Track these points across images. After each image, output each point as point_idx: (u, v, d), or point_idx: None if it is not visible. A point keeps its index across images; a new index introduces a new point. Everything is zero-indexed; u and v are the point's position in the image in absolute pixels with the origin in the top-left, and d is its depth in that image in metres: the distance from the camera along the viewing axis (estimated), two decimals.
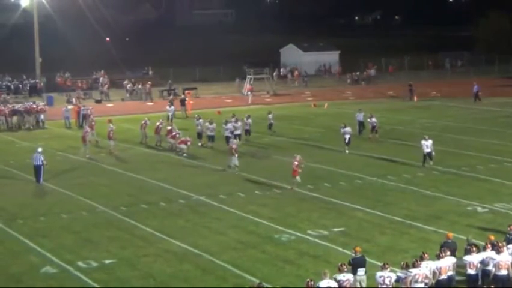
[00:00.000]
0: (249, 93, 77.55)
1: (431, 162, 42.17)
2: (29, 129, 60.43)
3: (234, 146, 43.02)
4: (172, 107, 62.81)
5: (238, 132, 50.81)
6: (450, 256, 23.39)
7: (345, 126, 48.24)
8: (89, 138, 51.44)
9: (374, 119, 51.60)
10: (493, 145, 48.99)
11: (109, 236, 31.19)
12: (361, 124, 54.09)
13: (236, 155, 42.41)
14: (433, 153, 42.40)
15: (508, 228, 25.91)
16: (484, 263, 23.33)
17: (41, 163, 41.07)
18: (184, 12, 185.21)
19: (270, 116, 55.84)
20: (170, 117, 61.19)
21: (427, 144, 42.27)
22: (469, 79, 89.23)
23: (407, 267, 22.22)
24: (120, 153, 49.08)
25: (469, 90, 74.88)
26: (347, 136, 47.75)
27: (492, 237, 24.58)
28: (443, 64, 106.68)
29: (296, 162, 38.00)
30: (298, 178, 38.01)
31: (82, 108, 63.03)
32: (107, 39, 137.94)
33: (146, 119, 53.96)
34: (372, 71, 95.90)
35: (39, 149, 42.10)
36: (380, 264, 23.40)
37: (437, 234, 29.50)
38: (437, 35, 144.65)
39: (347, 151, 47.23)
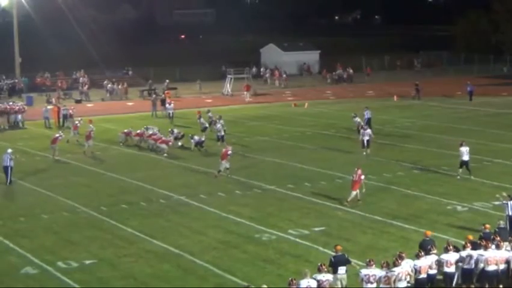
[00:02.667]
0: (246, 92, 77.73)
1: (471, 176, 39.57)
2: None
3: (229, 152, 41.50)
4: (172, 105, 63.30)
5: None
6: (431, 254, 23.55)
7: (366, 129, 47.27)
8: (71, 138, 51.59)
9: (368, 130, 48.29)
10: (473, 144, 49.06)
11: (89, 236, 31.10)
12: (369, 121, 54.16)
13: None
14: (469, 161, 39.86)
15: (483, 227, 26.20)
16: (463, 261, 23.53)
17: (8, 164, 40.81)
18: (164, 12, 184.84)
19: (210, 114, 56.44)
20: (170, 115, 62.10)
21: (464, 151, 39.70)
22: (449, 78, 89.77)
23: (387, 266, 22.31)
24: (99, 154, 48.95)
25: (448, 89, 75.30)
26: (366, 138, 46.27)
27: (471, 237, 24.82)
28: (413, 65, 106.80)
29: (359, 174, 35.06)
30: (356, 192, 35.01)
31: (63, 108, 62.78)
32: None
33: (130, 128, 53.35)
34: (340, 71, 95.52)
35: (9, 150, 41.79)
36: (361, 262, 23.52)
37: (418, 233, 29.58)
38: (417, 34, 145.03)
39: (364, 153, 45.93)
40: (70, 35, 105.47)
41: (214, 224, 32.52)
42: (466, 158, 39.75)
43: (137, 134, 51.55)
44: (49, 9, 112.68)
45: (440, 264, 23.59)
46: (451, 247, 23.80)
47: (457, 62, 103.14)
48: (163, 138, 49.00)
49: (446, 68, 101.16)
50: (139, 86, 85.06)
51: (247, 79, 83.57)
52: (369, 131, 47.16)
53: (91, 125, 50.90)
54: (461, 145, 40.20)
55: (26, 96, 75.62)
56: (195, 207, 35.27)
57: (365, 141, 46.36)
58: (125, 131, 52.47)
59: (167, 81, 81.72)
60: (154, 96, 71.05)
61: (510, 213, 28.76)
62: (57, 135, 48.79)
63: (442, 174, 41.04)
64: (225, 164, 41.01)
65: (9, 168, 40.76)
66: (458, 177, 39.70)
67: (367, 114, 55.14)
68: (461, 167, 39.89)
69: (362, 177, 35.16)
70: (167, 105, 64.42)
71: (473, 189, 37.54)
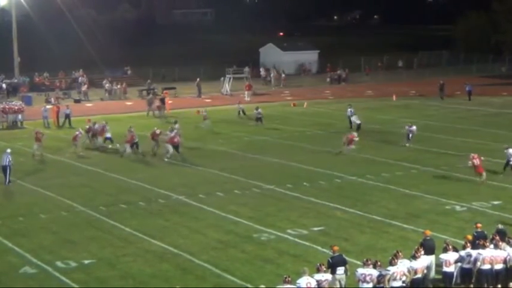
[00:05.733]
0: (246, 92, 77.80)
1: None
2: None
3: (356, 139, 46.38)
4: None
5: None
6: (428, 255, 23.59)
7: (411, 126, 49.35)
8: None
9: (414, 128, 49.38)
10: (471, 144, 49.19)
11: (88, 236, 31.09)
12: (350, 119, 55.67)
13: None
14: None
15: (475, 226, 26.27)
16: (463, 261, 23.57)
17: (7, 163, 40.76)
18: (163, 12, 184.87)
19: (259, 110, 59.05)
20: (242, 112, 63.02)
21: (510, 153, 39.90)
22: (448, 78, 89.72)
23: (380, 265, 22.32)
24: (99, 154, 48.93)
25: (448, 89, 75.34)
26: (410, 135, 48.91)
27: (469, 237, 24.83)
28: (411, 64, 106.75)
29: (476, 159, 38.59)
30: (484, 174, 38.55)
31: (66, 109, 62.68)
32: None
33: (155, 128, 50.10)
34: (340, 72, 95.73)
35: (8, 150, 41.72)
36: (359, 262, 23.51)
37: (416, 233, 29.59)
38: (417, 34, 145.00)
39: (407, 144, 48.64)
40: (69, 35, 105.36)
41: (213, 223, 32.52)
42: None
43: (89, 129, 50.93)
44: (48, 8, 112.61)
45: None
46: (450, 247, 23.85)
47: (456, 61, 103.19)
48: (172, 136, 48.04)
49: (446, 68, 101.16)
50: (138, 86, 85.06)
51: (246, 79, 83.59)
52: (414, 127, 49.32)
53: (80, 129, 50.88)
54: (507, 148, 40.52)
55: (25, 96, 75.49)
56: (194, 207, 35.26)
57: (409, 136, 48.95)
58: (87, 127, 51.67)
59: (198, 79, 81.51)
60: (150, 95, 71.04)
61: None
62: (77, 132, 49.17)
63: (441, 174, 41.04)
64: (351, 147, 45.96)
65: (7, 167, 40.76)
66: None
67: (350, 112, 56.21)
68: (505, 167, 40.29)
69: (481, 158, 38.69)
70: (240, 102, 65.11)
71: (472, 189, 37.54)
